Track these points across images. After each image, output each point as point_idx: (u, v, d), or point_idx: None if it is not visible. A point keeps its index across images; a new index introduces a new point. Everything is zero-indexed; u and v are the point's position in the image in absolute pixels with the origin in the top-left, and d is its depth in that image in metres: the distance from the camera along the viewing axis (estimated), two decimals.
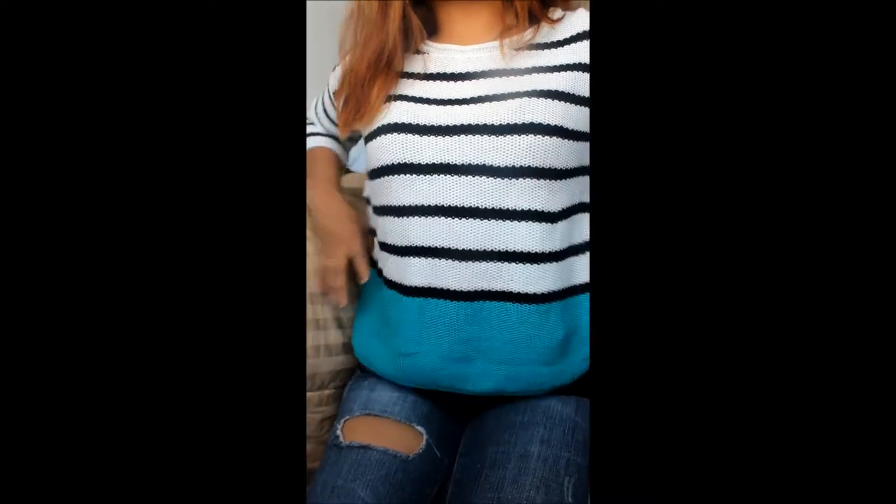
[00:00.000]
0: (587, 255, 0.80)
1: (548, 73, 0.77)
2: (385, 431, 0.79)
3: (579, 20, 0.81)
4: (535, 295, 0.75)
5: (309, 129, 1.05)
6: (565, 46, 0.80)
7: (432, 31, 0.86)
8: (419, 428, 0.80)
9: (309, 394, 0.93)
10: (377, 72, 0.80)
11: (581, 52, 0.78)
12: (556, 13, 0.83)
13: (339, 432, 0.80)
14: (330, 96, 0.97)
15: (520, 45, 0.79)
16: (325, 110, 1.02)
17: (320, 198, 0.91)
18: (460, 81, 0.79)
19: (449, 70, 0.81)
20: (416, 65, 0.83)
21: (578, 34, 0.80)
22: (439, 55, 0.83)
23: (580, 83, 0.77)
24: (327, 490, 0.72)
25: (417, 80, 0.82)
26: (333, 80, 0.94)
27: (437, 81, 0.80)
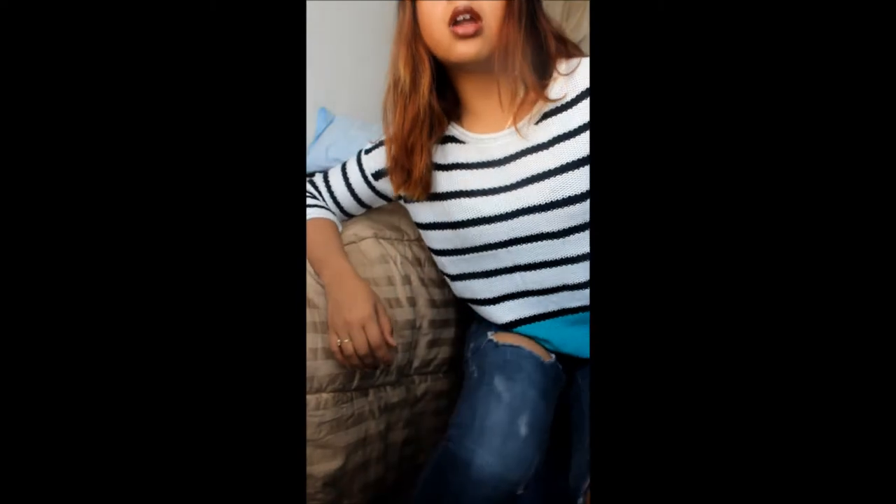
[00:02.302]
0: None
1: (568, 141, 0.92)
2: (526, 342, 1.01)
3: (580, 78, 0.93)
4: (582, 306, 0.98)
5: (308, 201, 1.12)
6: (574, 107, 0.92)
7: (460, 115, 1.01)
8: (549, 348, 1.03)
9: (307, 396, 0.93)
10: (418, 136, 0.95)
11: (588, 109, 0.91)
12: (556, 88, 0.93)
13: (492, 337, 1.03)
14: (361, 170, 1.09)
15: (536, 120, 0.94)
16: (344, 184, 1.10)
17: (330, 269, 0.99)
18: (501, 167, 0.96)
19: (490, 158, 0.97)
20: (461, 154, 0.99)
21: (582, 93, 0.93)
22: (478, 145, 0.98)
23: None
24: (502, 360, 0.96)
25: (467, 171, 0.99)
26: (372, 161, 1.07)
27: (483, 170, 0.97)
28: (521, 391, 0.90)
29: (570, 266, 0.95)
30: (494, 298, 1.02)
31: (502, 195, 0.96)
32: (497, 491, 0.82)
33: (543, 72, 0.93)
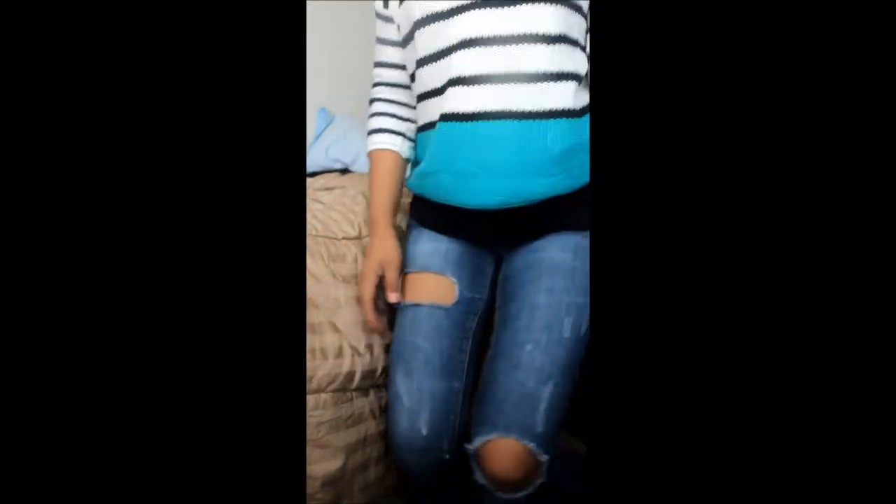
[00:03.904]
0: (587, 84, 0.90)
1: None
2: (428, 287, 1.02)
3: None
4: (533, 112, 0.87)
5: (371, 123, 1.09)
6: None
7: None
8: (452, 278, 1.02)
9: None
10: None
11: None
12: None
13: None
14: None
15: None
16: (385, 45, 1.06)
17: (370, 214, 1.04)
18: None
19: None
20: None
21: None
22: None
23: None
24: (401, 345, 1.00)
25: None
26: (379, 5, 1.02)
27: None
28: (416, 387, 0.96)
29: (518, 46, 0.86)
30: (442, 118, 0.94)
31: (459, 16, 0.88)
32: (424, 458, 0.96)
33: None
